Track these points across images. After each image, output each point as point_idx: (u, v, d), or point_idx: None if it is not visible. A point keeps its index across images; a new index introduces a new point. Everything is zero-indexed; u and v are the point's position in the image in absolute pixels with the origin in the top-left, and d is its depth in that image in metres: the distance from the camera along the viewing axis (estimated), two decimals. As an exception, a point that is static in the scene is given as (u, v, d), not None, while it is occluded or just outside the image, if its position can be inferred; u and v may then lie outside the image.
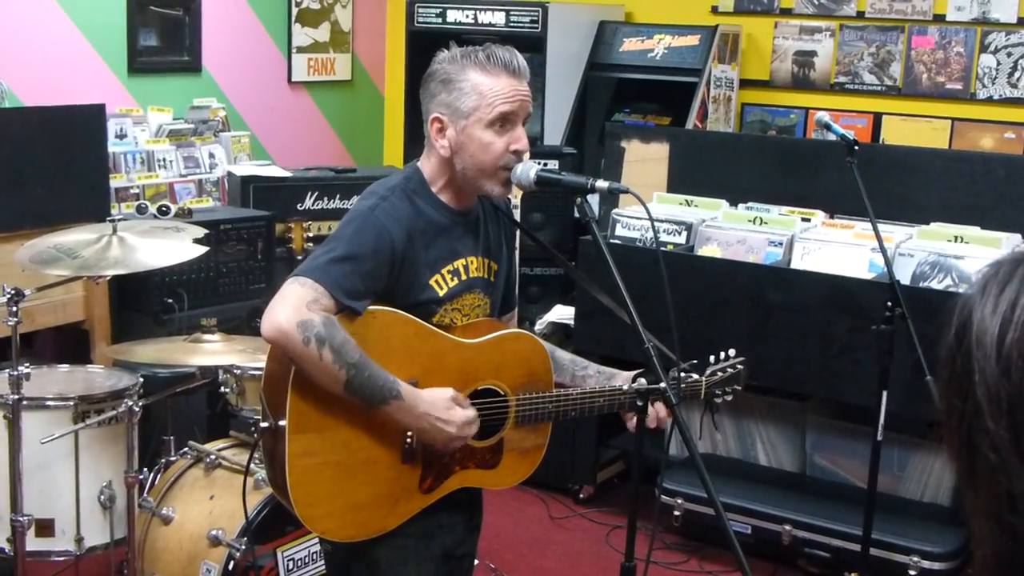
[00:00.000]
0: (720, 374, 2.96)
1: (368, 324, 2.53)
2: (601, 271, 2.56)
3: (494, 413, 2.71)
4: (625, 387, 2.72)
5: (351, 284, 2.48)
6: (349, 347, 2.44)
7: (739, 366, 3.01)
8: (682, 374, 2.79)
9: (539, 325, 5.32)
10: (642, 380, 2.58)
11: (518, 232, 3.06)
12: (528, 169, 2.58)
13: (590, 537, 4.93)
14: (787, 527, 4.49)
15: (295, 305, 2.42)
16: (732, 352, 3.02)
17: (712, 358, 2.98)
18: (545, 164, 5.25)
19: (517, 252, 4.97)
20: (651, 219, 2.60)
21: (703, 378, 2.92)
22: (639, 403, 2.56)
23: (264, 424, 2.58)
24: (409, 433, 2.60)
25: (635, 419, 2.66)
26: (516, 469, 2.82)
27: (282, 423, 2.50)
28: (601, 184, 2.52)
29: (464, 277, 2.69)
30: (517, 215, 5.07)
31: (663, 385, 2.42)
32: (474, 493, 2.85)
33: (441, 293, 2.64)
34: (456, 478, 2.71)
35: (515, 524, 4.97)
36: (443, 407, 2.56)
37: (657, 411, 2.69)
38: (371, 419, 2.55)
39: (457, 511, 2.78)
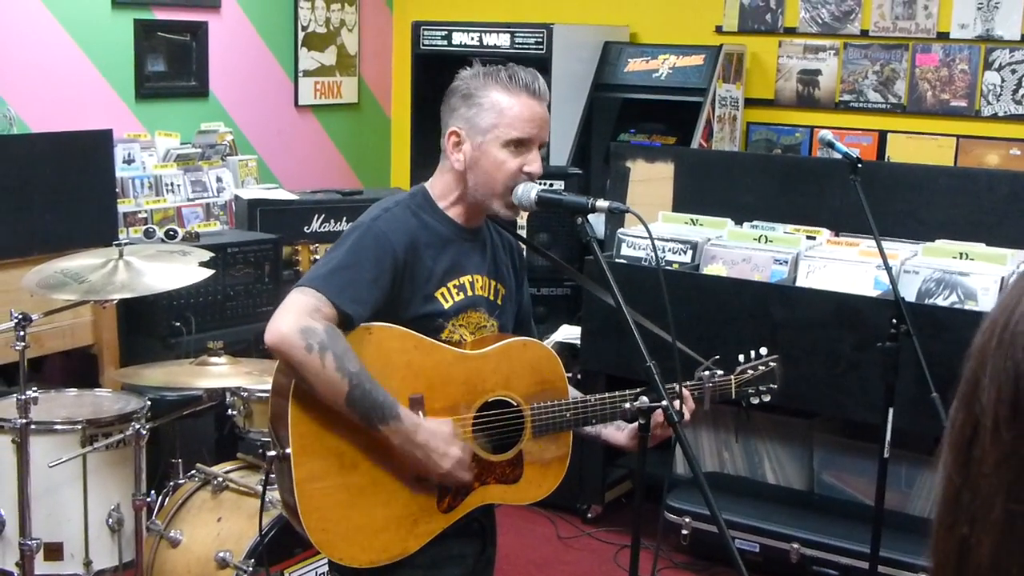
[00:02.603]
0: (751, 372, 2.92)
1: (366, 340, 2.51)
2: (608, 292, 2.57)
3: (509, 425, 2.68)
4: (629, 404, 2.70)
5: (353, 291, 2.48)
6: (351, 356, 2.44)
7: (772, 363, 2.95)
8: (706, 373, 2.78)
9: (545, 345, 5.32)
10: (644, 398, 2.57)
11: (526, 258, 3.03)
12: (529, 190, 2.60)
13: (598, 557, 4.93)
14: (795, 545, 4.49)
15: (298, 313, 2.43)
16: (764, 350, 2.97)
17: (741, 357, 2.94)
18: (551, 184, 5.28)
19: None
20: (651, 237, 2.61)
21: (732, 377, 2.89)
22: (641, 421, 2.56)
23: (271, 453, 2.56)
24: None
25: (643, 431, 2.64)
26: (540, 482, 2.75)
27: (288, 450, 2.49)
28: (602, 203, 2.53)
29: (470, 293, 2.67)
30: (523, 236, 5.09)
31: (664, 403, 2.42)
32: (487, 523, 2.80)
33: (447, 306, 2.63)
34: (476, 495, 2.66)
35: (523, 544, 4.97)
36: (444, 439, 2.54)
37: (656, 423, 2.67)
38: (378, 439, 2.53)
39: (469, 541, 2.73)
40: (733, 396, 2.90)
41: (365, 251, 2.53)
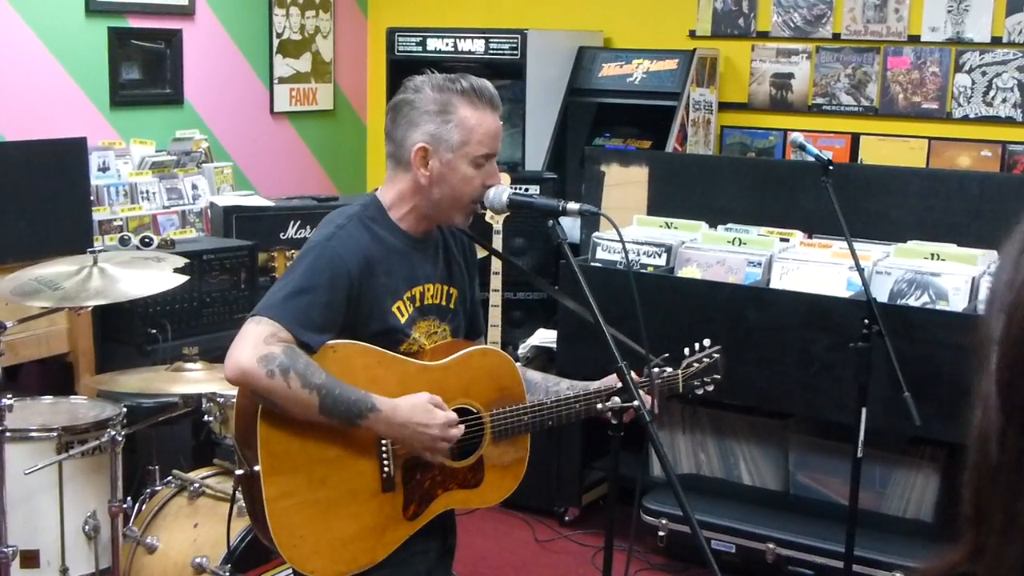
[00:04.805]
0: (696, 365, 2.97)
1: (330, 358, 2.54)
2: (580, 294, 2.59)
3: (470, 432, 2.71)
4: (597, 385, 2.74)
5: (308, 317, 2.51)
6: (313, 369, 2.47)
7: (715, 355, 3.01)
8: (655, 370, 2.82)
9: (522, 349, 5.35)
10: (616, 399, 2.60)
11: (492, 273, 3.08)
12: (500, 193, 2.63)
13: (576, 559, 4.94)
14: (771, 545, 4.51)
15: (254, 343, 2.45)
16: (707, 342, 3.03)
17: (687, 350, 3.00)
18: (526, 189, 5.31)
19: (499, 278, 5.05)
20: (622, 240, 2.63)
21: (679, 371, 2.94)
22: (614, 421, 2.58)
23: (239, 472, 2.58)
24: (386, 461, 2.60)
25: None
26: (500, 484, 2.81)
27: (256, 468, 2.51)
28: (572, 206, 2.56)
29: (420, 304, 2.72)
30: (499, 240, 5.11)
31: (636, 403, 2.44)
32: (446, 516, 2.84)
33: (403, 320, 2.67)
34: (440, 501, 2.72)
35: (501, 547, 4.98)
36: (423, 410, 2.57)
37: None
38: (345, 453, 2.56)
39: (431, 537, 2.78)
40: (681, 390, 2.96)
41: (319, 274, 2.55)
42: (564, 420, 2.79)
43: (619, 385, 2.59)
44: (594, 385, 2.81)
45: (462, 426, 2.64)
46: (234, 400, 3.65)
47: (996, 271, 0.96)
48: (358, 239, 2.62)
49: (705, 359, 2.99)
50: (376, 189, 2.78)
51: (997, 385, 0.92)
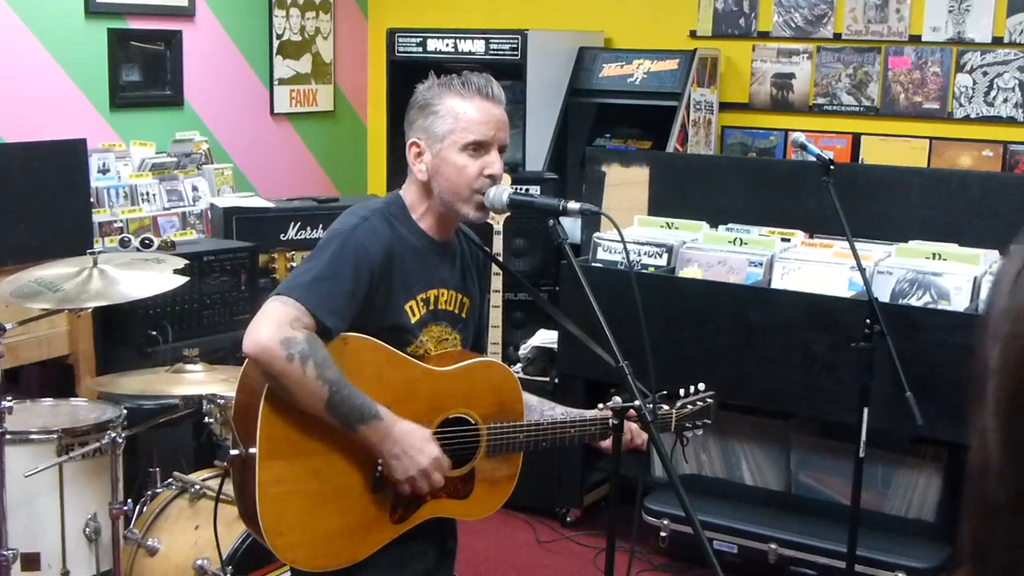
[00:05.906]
0: (690, 407, 2.99)
1: (341, 350, 2.54)
2: (580, 294, 2.58)
3: (465, 442, 2.71)
4: (597, 409, 2.74)
5: (332, 303, 2.50)
6: (330, 363, 2.47)
7: (709, 400, 3.03)
8: (651, 405, 2.81)
9: (523, 349, 5.34)
10: (617, 399, 2.60)
11: (492, 273, 3.07)
12: (501, 192, 2.63)
13: (577, 560, 4.93)
14: (773, 546, 4.50)
15: (278, 323, 2.45)
16: (702, 386, 3.04)
17: (682, 391, 3.00)
18: (527, 189, 5.30)
19: (500, 279, 5.04)
20: (623, 240, 2.62)
21: (673, 410, 2.94)
22: (614, 421, 2.58)
23: (234, 452, 2.57)
24: (380, 461, 2.59)
25: (610, 441, 2.69)
26: (488, 499, 2.80)
27: (252, 450, 2.50)
28: (573, 205, 2.55)
29: (433, 307, 2.71)
30: (500, 241, 5.10)
31: (638, 403, 2.43)
32: (444, 519, 2.83)
33: (413, 320, 2.66)
34: (427, 508, 2.71)
35: (502, 548, 4.98)
36: (421, 438, 2.57)
37: (632, 431, 2.72)
38: (341, 448, 2.55)
39: (428, 538, 2.76)
40: (672, 429, 2.97)
41: (345, 262, 2.55)
42: (558, 443, 2.80)
43: (613, 420, 2.63)
44: (589, 414, 2.82)
45: (446, 468, 2.62)
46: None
47: (989, 298, 0.91)
48: (381, 232, 2.62)
49: (699, 402, 3.01)
50: (400, 188, 2.79)
51: (995, 419, 0.87)
